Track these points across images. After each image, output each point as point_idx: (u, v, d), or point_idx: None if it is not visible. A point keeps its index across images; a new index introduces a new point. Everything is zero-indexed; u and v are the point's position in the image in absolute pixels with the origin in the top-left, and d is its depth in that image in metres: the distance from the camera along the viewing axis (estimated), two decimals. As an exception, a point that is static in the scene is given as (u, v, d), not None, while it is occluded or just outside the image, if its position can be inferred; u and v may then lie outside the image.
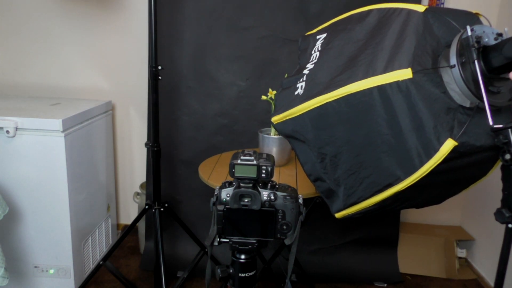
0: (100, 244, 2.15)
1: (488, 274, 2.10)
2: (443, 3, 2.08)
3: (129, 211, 2.49)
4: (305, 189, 1.42)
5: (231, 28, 2.00)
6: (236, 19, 2.00)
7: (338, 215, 1.04)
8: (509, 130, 0.82)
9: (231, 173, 0.86)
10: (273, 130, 1.63)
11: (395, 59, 0.88)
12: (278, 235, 0.89)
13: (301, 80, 1.08)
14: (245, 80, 2.05)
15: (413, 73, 0.85)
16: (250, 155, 0.87)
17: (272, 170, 0.86)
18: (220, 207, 0.87)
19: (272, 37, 2.00)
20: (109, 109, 2.19)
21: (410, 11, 0.96)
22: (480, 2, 2.10)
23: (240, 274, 0.93)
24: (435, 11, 0.95)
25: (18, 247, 1.81)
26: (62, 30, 2.23)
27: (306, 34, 1.24)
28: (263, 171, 0.86)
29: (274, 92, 1.62)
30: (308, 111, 0.99)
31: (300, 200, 0.90)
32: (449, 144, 0.83)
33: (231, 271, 0.93)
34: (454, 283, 2.12)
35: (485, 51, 0.84)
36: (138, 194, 2.26)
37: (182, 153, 2.13)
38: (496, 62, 0.82)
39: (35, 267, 1.84)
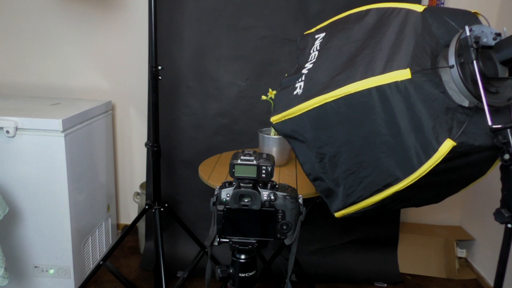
0: (100, 244, 2.15)
1: (488, 274, 2.10)
2: (443, 3, 2.08)
3: (129, 211, 2.49)
4: (305, 189, 1.42)
5: (231, 28, 2.01)
6: (236, 19, 2.00)
7: (337, 214, 1.04)
8: (508, 130, 0.82)
9: (231, 173, 0.86)
10: (273, 130, 1.64)
11: (394, 60, 0.88)
12: (278, 235, 0.89)
13: (299, 80, 1.08)
14: (245, 80, 2.05)
15: (412, 73, 0.85)
16: (250, 155, 0.87)
17: (272, 170, 0.86)
18: (220, 207, 0.88)
19: (272, 37, 2.01)
20: (109, 109, 2.20)
21: (408, 11, 0.96)
22: (480, 2, 2.10)
23: (240, 274, 0.93)
24: (434, 11, 0.95)
25: (18, 247, 1.81)
26: (62, 30, 2.23)
27: (305, 33, 1.24)
28: (263, 171, 0.86)
29: (274, 92, 1.62)
30: (307, 111, 0.99)
31: (300, 200, 0.90)
32: (448, 144, 0.83)
33: (231, 271, 0.93)
34: (454, 283, 2.12)
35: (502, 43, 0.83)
36: (138, 194, 2.26)
37: (182, 153, 2.13)
38: None
39: (35, 267, 1.84)
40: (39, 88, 2.32)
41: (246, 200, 0.87)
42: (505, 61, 0.84)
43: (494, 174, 1.04)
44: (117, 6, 2.18)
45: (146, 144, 1.78)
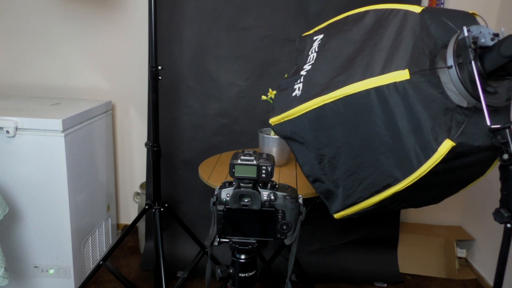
0: (100, 244, 2.15)
1: (488, 274, 2.10)
2: (443, 4, 2.09)
3: (129, 211, 2.50)
4: (305, 189, 1.43)
5: (231, 28, 2.01)
6: (236, 19, 2.00)
7: (337, 215, 1.04)
8: (507, 130, 0.82)
9: (231, 173, 0.86)
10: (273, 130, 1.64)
11: (393, 60, 0.88)
12: (278, 235, 0.89)
13: (298, 81, 1.08)
14: (245, 80, 2.05)
15: (411, 74, 0.85)
16: (250, 155, 0.87)
17: (272, 170, 0.86)
18: (220, 207, 0.88)
19: (272, 37, 2.01)
20: (109, 109, 2.20)
21: (407, 12, 0.96)
22: (480, 2, 2.10)
23: (240, 274, 0.93)
24: (432, 11, 0.95)
25: (18, 247, 1.81)
26: (62, 30, 2.23)
27: (303, 35, 1.24)
28: (263, 171, 0.86)
29: (274, 92, 1.62)
30: (306, 112, 0.99)
31: (300, 200, 0.90)
32: (447, 145, 0.83)
33: (231, 271, 0.93)
34: (454, 283, 2.13)
35: (482, 54, 0.84)
36: (138, 194, 2.26)
37: (182, 153, 2.13)
38: (494, 63, 0.82)
39: (35, 267, 1.84)
40: (39, 88, 2.32)
41: (246, 200, 0.87)
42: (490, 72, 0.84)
43: (494, 174, 1.04)
44: (117, 6, 2.19)
45: (146, 144, 1.78)
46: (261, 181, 0.89)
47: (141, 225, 2.21)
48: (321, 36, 1.13)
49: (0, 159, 1.71)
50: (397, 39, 0.92)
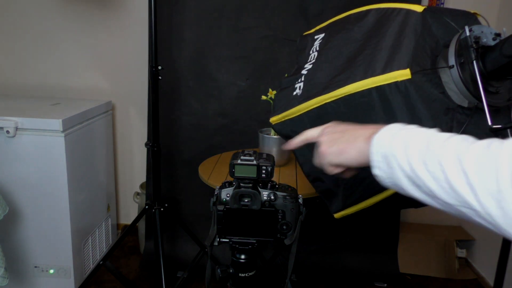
0: (100, 244, 2.15)
1: (488, 274, 2.10)
2: (442, 3, 2.08)
3: (129, 211, 2.49)
4: (305, 189, 1.42)
5: (231, 28, 2.01)
6: (236, 19, 2.00)
7: (337, 215, 1.04)
8: (508, 130, 0.82)
9: (231, 173, 0.86)
10: (273, 130, 1.64)
11: (394, 60, 0.88)
12: (278, 235, 0.89)
13: (299, 80, 1.07)
14: (245, 80, 2.05)
15: (412, 73, 0.84)
16: (250, 155, 0.86)
17: (272, 170, 0.86)
18: (220, 207, 0.87)
19: (272, 37, 2.01)
20: (109, 109, 2.20)
21: (408, 11, 0.96)
22: (480, 2, 2.10)
23: (240, 274, 0.93)
24: (434, 11, 0.95)
25: (18, 247, 1.81)
26: (62, 30, 2.23)
27: (304, 34, 1.24)
28: (263, 171, 0.85)
29: (274, 92, 1.62)
30: (307, 111, 0.99)
31: (300, 200, 0.90)
32: (448, 145, 0.83)
33: (231, 271, 0.93)
34: (454, 283, 2.13)
35: (483, 54, 0.83)
36: (138, 194, 2.26)
37: (182, 153, 2.13)
38: (496, 63, 0.82)
39: (35, 267, 1.84)
40: (39, 88, 2.32)
41: (246, 200, 0.86)
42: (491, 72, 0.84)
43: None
44: (117, 6, 2.18)
45: (146, 144, 1.78)
46: (261, 181, 0.89)
47: (141, 225, 2.20)
48: (322, 35, 1.13)
49: (0, 159, 1.71)
50: (398, 38, 0.91)
